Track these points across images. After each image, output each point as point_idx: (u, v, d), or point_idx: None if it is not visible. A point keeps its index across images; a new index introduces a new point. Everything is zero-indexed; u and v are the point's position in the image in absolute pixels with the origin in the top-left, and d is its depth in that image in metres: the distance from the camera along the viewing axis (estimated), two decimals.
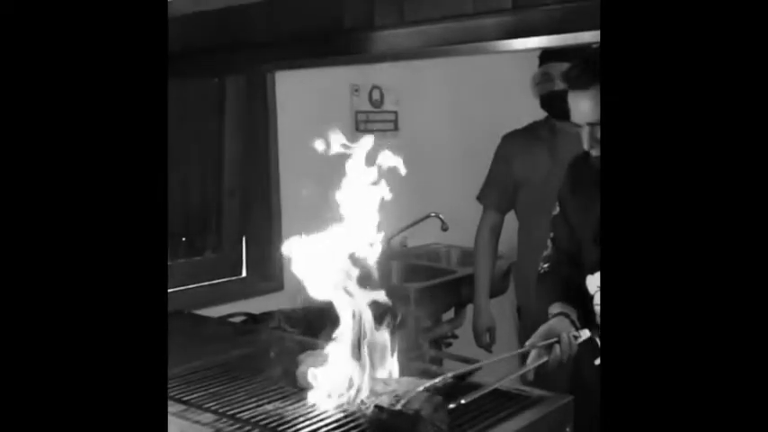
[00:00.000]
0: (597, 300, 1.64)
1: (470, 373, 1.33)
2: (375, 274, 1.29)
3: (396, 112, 3.16)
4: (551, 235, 1.81)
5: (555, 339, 1.50)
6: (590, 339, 1.59)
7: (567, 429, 1.27)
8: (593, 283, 1.65)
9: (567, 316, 1.58)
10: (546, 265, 1.79)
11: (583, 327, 1.59)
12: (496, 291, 2.79)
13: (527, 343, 1.51)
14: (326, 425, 1.20)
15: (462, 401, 1.19)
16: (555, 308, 1.63)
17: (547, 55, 2.46)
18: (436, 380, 1.25)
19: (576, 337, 1.52)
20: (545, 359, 1.48)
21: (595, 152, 1.55)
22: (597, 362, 1.64)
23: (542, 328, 1.56)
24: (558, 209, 1.79)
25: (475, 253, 2.67)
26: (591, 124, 1.53)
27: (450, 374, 1.27)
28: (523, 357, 1.55)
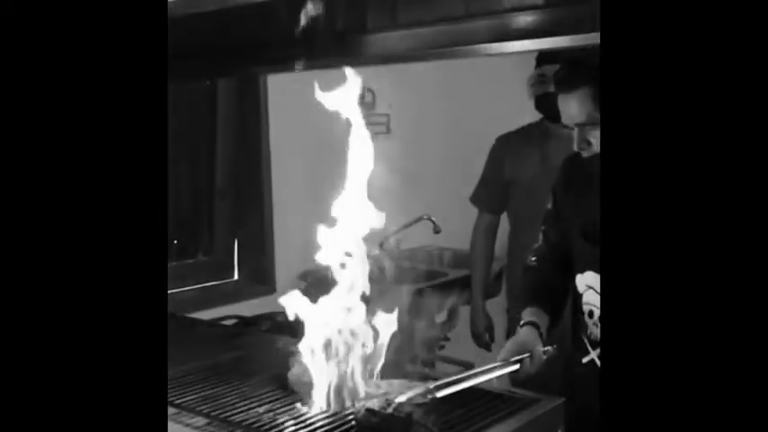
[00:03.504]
0: (586, 299, 1.66)
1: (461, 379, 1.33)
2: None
3: (388, 115, 3.16)
4: (542, 228, 1.82)
5: (527, 354, 1.52)
6: (579, 338, 1.62)
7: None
8: (582, 282, 1.66)
9: (536, 327, 1.61)
10: (533, 259, 1.81)
11: (551, 329, 1.64)
12: (490, 293, 2.81)
13: (499, 357, 1.53)
14: (318, 428, 1.20)
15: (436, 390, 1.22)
16: (527, 314, 1.65)
17: (543, 57, 2.47)
18: (428, 384, 1.25)
19: (545, 353, 1.55)
20: (516, 367, 1.50)
21: (585, 153, 1.56)
22: (584, 360, 1.66)
23: (512, 343, 1.58)
24: (551, 203, 1.80)
25: (471, 254, 2.70)
26: (580, 125, 1.54)
27: (436, 383, 1.27)
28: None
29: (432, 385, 1.23)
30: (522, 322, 1.64)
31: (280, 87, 2.67)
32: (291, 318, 1.31)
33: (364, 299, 1.33)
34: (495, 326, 2.74)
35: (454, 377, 1.29)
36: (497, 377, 1.45)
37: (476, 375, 1.34)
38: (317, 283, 1.35)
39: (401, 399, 1.17)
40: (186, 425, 1.24)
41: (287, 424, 1.21)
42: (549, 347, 1.57)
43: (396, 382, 1.31)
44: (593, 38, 0.92)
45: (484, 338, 2.70)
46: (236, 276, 2.77)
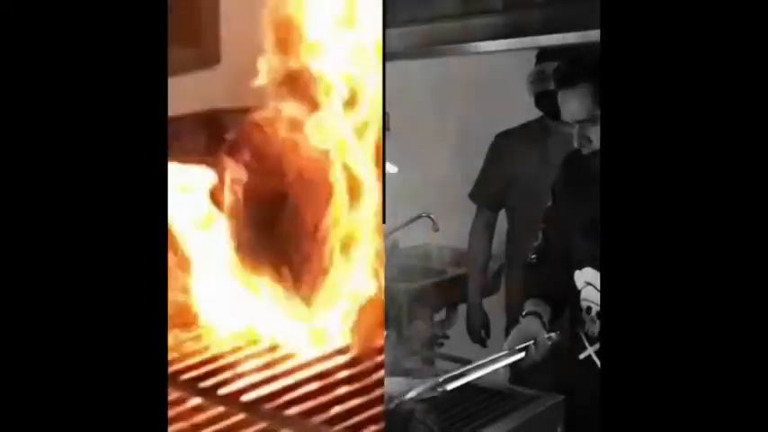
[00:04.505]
0: (584, 295, 1.66)
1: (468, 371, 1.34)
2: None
3: (388, 114, 3.15)
4: (543, 226, 1.82)
5: (531, 342, 1.53)
6: (576, 334, 1.62)
7: (558, 429, 1.27)
8: (581, 278, 1.66)
9: (539, 316, 1.61)
10: (534, 257, 1.81)
11: (554, 320, 1.64)
12: (489, 290, 2.81)
13: (504, 346, 1.54)
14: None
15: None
16: (529, 305, 1.66)
17: (543, 54, 2.47)
18: (437, 377, 1.25)
19: (549, 339, 1.56)
20: (522, 355, 1.51)
21: (585, 150, 1.56)
22: (582, 356, 1.67)
23: (516, 332, 1.58)
24: (551, 201, 1.80)
25: (469, 250, 2.70)
26: (580, 122, 1.54)
27: (444, 377, 1.27)
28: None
29: (440, 378, 1.24)
30: (524, 312, 1.64)
31: None
32: None
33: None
34: (495, 324, 2.74)
35: (461, 369, 1.29)
36: (503, 366, 1.46)
37: (482, 366, 1.34)
38: None
39: (412, 394, 1.17)
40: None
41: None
42: (552, 333, 1.58)
43: (396, 379, 1.31)
44: (594, 35, 0.92)
45: (479, 335, 2.70)
46: None
